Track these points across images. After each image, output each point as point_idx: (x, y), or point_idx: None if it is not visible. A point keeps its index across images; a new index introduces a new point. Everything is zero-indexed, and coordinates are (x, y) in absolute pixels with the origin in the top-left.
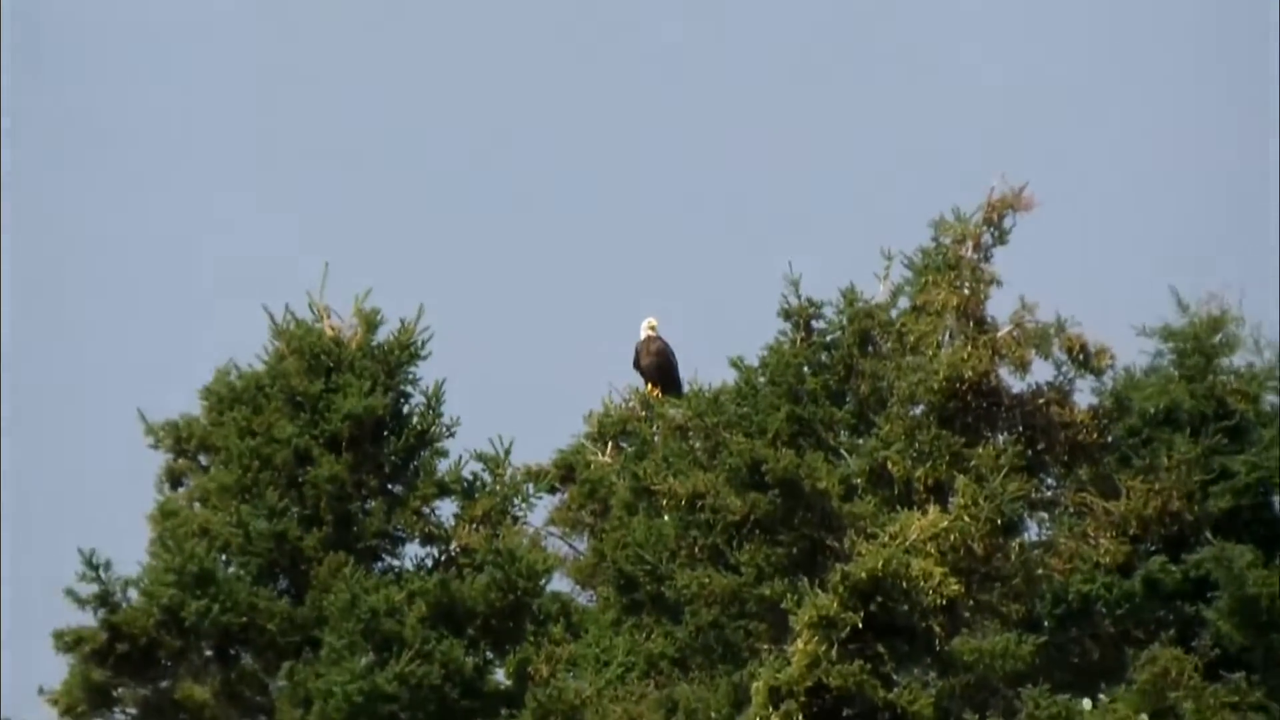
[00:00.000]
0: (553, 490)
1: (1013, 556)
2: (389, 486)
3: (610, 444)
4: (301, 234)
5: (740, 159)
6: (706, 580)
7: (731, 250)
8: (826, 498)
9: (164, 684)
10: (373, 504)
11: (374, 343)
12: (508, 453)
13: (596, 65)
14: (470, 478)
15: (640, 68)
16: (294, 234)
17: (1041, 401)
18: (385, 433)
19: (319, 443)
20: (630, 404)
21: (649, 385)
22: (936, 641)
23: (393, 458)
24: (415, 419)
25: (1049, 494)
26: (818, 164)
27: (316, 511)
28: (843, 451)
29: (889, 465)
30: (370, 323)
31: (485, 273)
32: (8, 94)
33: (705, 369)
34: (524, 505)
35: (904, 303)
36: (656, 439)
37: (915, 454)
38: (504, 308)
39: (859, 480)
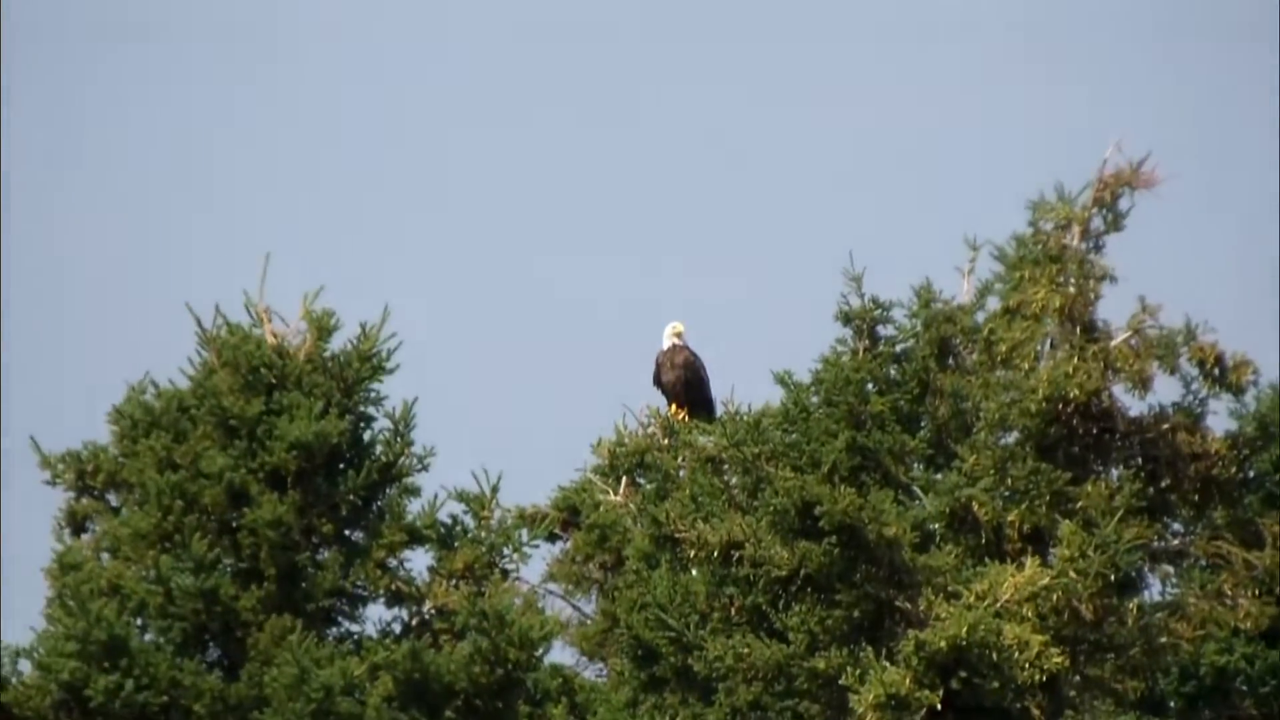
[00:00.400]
0: (552, 538)
1: (1129, 621)
2: (346, 533)
3: (624, 480)
4: (246, 224)
5: (742, 151)
6: (745, 650)
7: (756, 246)
8: (896, 547)
9: None
10: (326, 555)
11: (327, 353)
12: (495, 490)
13: (595, 63)
14: (449, 522)
15: (640, 66)
16: (240, 223)
17: (1166, 427)
18: (341, 465)
19: (258, 478)
20: (649, 429)
21: (673, 406)
22: None
23: (351, 497)
24: (379, 448)
25: (1175, 543)
26: (820, 162)
27: (255, 564)
28: (916, 490)
29: (974, 507)
30: (322, 328)
31: (463, 269)
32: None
33: (744, 386)
34: (516, 556)
35: (993, 303)
36: (682, 473)
37: (1007, 493)
38: (488, 310)
39: (936, 526)
